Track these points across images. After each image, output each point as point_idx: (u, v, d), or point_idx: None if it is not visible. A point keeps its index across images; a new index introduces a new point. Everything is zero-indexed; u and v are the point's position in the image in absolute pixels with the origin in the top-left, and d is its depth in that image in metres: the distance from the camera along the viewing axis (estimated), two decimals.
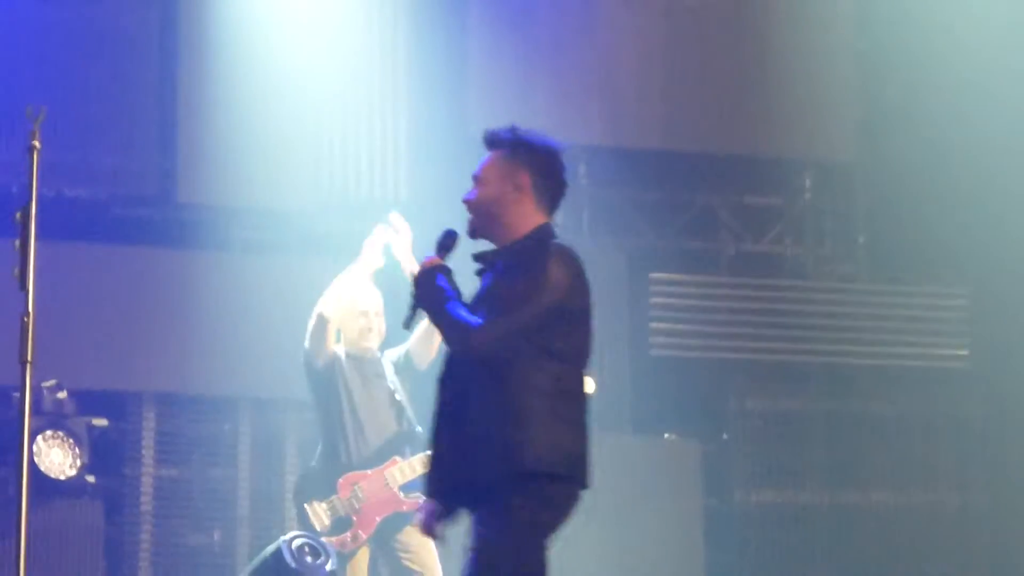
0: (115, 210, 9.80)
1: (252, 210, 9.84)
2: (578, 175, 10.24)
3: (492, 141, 6.13)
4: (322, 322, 8.32)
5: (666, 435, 10.32)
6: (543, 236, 5.97)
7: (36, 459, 8.86)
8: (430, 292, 6.00)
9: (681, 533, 10.20)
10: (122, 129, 9.78)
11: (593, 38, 10.41)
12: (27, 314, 6.79)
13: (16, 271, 6.83)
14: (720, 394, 10.53)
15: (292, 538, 8.21)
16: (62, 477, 9.03)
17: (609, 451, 9.73)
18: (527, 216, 6.02)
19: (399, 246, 8.48)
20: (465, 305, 6.03)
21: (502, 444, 5.80)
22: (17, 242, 6.87)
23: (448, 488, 6.00)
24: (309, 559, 8.20)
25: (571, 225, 10.17)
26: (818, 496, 10.49)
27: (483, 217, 6.05)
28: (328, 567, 8.18)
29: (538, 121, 9.94)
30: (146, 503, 9.71)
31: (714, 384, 10.51)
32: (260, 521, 9.42)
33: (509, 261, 6.00)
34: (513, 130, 6.11)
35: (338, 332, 8.48)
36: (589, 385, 8.55)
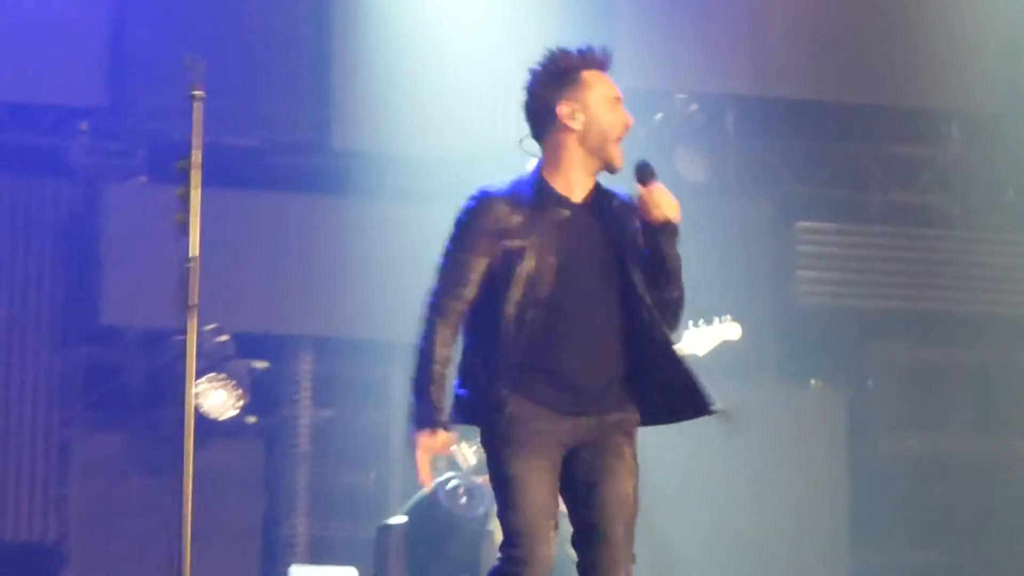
0: (272, 158, 9.83)
1: (404, 157, 9.83)
2: (725, 124, 10.22)
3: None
4: None
5: (812, 382, 10.27)
6: None
7: (198, 400, 8.80)
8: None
9: (826, 480, 10.14)
10: (279, 79, 9.83)
11: None
12: (190, 260, 6.91)
13: (178, 217, 6.96)
14: (865, 342, 10.45)
15: (446, 479, 8.28)
16: (223, 418, 9.11)
17: (755, 398, 9.76)
18: None
19: None
20: None
21: None
22: (179, 189, 6.99)
23: None
24: (463, 500, 8.26)
25: (717, 174, 10.18)
26: (961, 445, 10.37)
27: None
28: (480, 510, 8.24)
29: (685, 72, 10.20)
30: (303, 443, 9.79)
31: (859, 332, 10.42)
32: (412, 462, 9.43)
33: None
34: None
35: None
36: (734, 331, 8.59)
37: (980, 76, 10.42)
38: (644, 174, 5.72)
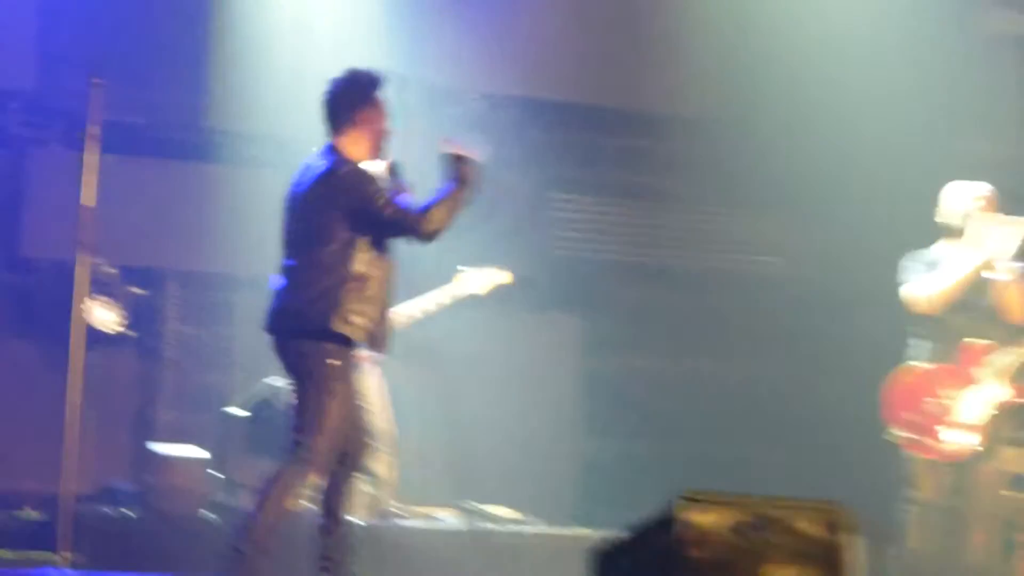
0: (157, 132, 9.98)
1: (261, 135, 9.96)
2: (502, 118, 10.41)
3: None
4: None
5: (555, 314, 10.62)
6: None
7: (88, 316, 8.75)
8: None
9: (566, 390, 10.56)
10: (166, 69, 9.89)
11: None
12: (85, 208, 7.52)
13: (80, 174, 7.52)
14: (601, 285, 10.79)
15: (276, 381, 8.62)
16: (109, 331, 9.20)
17: (514, 327, 10.31)
18: None
19: None
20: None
21: None
22: (84, 155, 7.59)
23: None
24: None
25: (495, 157, 10.33)
26: (668, 363, 10.81)
27: None
28: None
29: (475, 75, 10.49)
30: (169, 352, 10.04)
31: (597, 278, 10.78)
32: (252, 367, 9.44)
33: None
34: None
35: None
36: (506, 276, 9.10)
37: (696, 82, 10.66)
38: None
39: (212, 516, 8.49)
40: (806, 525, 4.55)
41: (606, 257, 10.79)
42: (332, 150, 6.82)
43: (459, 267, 9.00)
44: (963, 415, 8.02)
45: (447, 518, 8.89)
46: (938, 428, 8.03)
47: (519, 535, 8.84)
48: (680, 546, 4.37)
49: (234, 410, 8.87)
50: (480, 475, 9.75)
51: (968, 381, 8.05)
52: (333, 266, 6.61)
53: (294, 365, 6.70)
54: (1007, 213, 8.13)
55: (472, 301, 9.07)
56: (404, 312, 8.81)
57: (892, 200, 9.74)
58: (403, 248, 9.21)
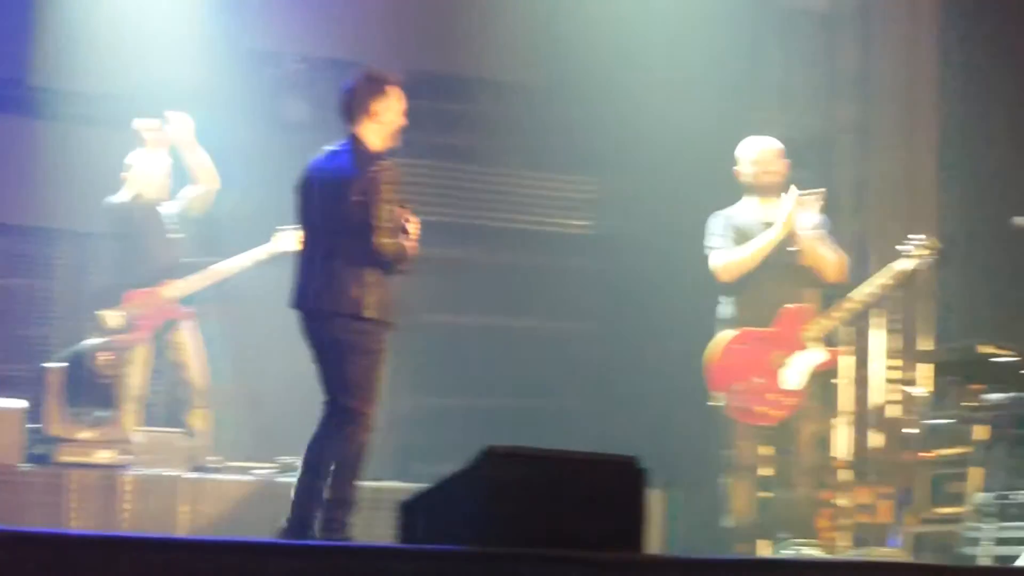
0: None
1: (82, 92, 9.88)
2: (322, 79, 10.26)
3: None
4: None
5: None
6: None
7: None
8: None
9: None
10: None
11: None
12: None
13: None
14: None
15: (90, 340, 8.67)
16: None
17: None
18: None
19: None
20: None
21: None
22: None
23: None
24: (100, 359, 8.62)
25: (316, 118, 10.16)
26: (479, 320, 10.86)
27: None
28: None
29: (295, 39, 10.46)
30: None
31: None
32: (71, 321, 9.62)
33: None
34: None
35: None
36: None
37: (512, 48, 10.68)
38: None
39: (28, 467, 8.40)
40: (601, 479, 4.62)
41: (419, 217, 10.57)
42: (355, 140, 7.14)
43: (278, 227, 9.04)
44: (785, 380, 8.15)
45: (262, 470, 8.94)
46: (761, 394, 8.15)
47: None
48: (484, 498, 4.45)
49: (52, 364, 8.78)
50: (294, 430, 9.70)
51: (788, 346, 8.18)
52: (370, 252, 6.92)
53: (342, 341, 6.96)
54: (803, 182, 8.36)
55: (286, 259, 9.09)
56: (220, 268, 8.89)
57: (698, 165, 9.84)
58: (221, 208, 9.25)
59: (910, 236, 8.35)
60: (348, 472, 7.00)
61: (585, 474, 4.62)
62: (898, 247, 8.37)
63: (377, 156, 7.08)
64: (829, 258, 8.23)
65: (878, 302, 8.29)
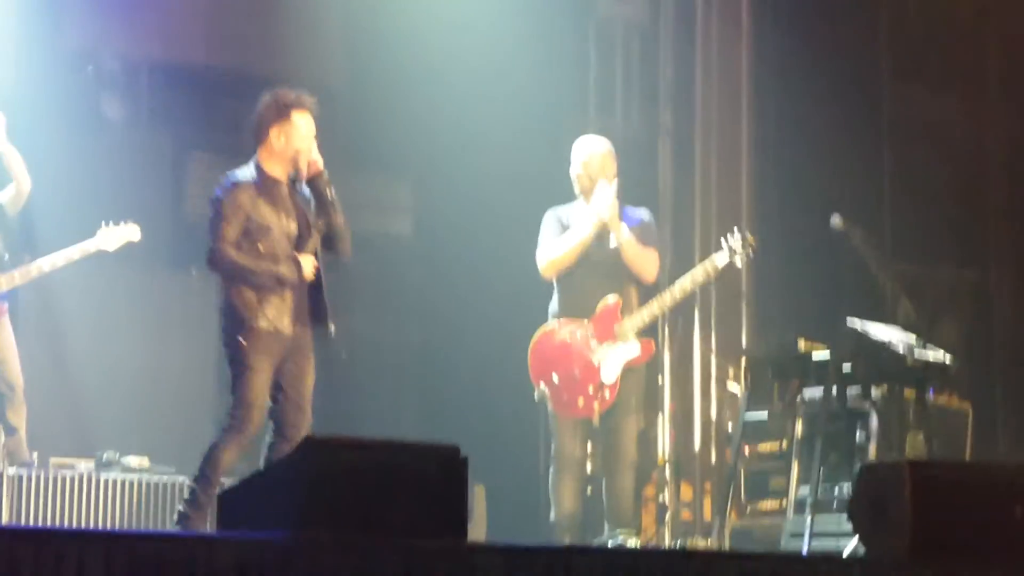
0: None
1: None
2: (141, 78, 10.28)
3: None
4: None
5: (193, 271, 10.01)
6: None
7: None
8: None
9: (196, 346, 10.12)
10: None
11: None
12: None
13: None
14: None
15: None
16: None
17: (156, 283, 10.13)
18: None
19: None
20: None
21: None
22: None
23: None
24: None
25: (132, 116, 10.23)
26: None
27: None
28: None
29: (112, 38, 10.25)
30: None
31: None
32: None
33: None
34: None
35: None
36: (135, 233, 9.02)
37: (323, 52, 10.53)
38: None
39: None
40: (422, 467, 4.56)
41: None
42: (255, 162, 7.22)
43: (102, 223, 8.94)
44: (602, 374, 8.15)
45: (82, 467, 8.81)
46: (581, 387, 8.15)
47: (153, 483, 8.81)
48: (304, 485, 4.35)
49: None
50: (114, 427, 9.59)
51: (604, 338, 8.18)
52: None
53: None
54: (626, 184, 8.39)
55: (106, 258, 9.01)
56: (35, 266, 8.75)
57: (519, 166, 9.87)
58: (40, 205, 9.00)
59: (728, 233, 8.40)
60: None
61: (406, 462, 4.56)
62: (718, 243, 8.42)
63: (250, 181, 7.17)
64: (645, 255, 8.25)
65: (693, 297, 8.33)
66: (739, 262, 8.34)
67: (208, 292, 10.11)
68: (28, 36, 9.99)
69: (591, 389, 8.14)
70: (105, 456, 8.79)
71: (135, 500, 8.65)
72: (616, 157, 8.41)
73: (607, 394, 8.13)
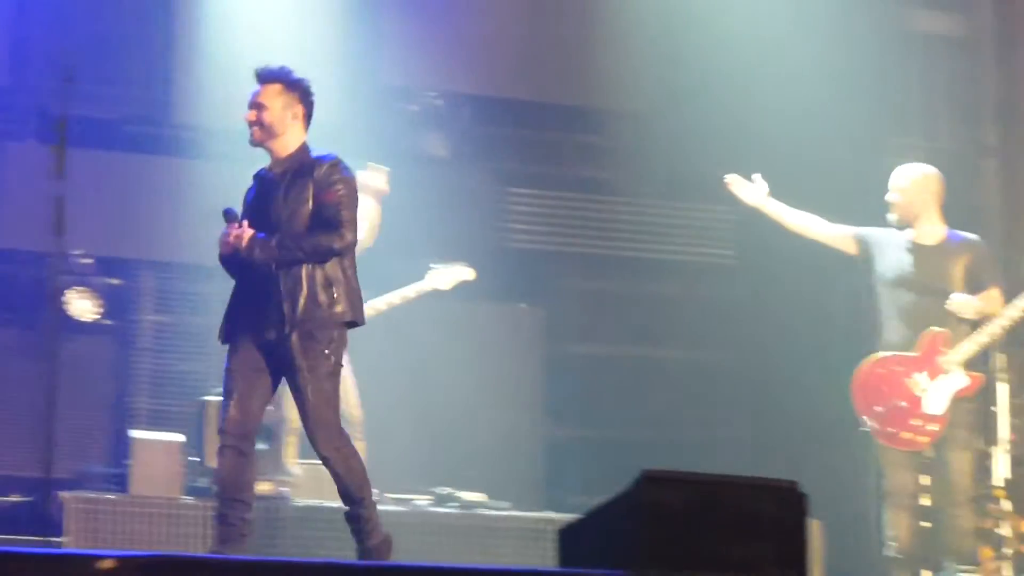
0: (127, 127, 9.92)
1: (223, 129, 9.49)
2: (462, 115, 10.37)
3: (268, 76, 6.76)
4: None
5: (521, 305, 10.52)
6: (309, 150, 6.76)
7: (67, 306, 9.09)
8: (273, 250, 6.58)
9: (528, 376, 10.39)
10: (134, 66, 9.97)
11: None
12: (59, 200, 7.45)
13: (54, 167, 7.49)
14: (559, 276, 10.72)
15: None
16: (87, 320, 9.30)
17: (477, 318, 10.19)
18: (298, 137, 6.73)
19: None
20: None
21: None
22: (54, 147, 7.52)
23: None
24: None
25: (455, 153, 10.35)
26: (624, 350, 10.66)
27: (266, 132, 6.70)
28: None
29: (434, 74, 10.31)
30: (145, 341, 9.93)
31: (555, 269, 10.68)
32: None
33: (295, 169, 6.66)
34: (287, 70, 6.76)
35: None
36: (468, 273, 9.04)
37: (635, 79, 10.47)
38: (228, 216, 6.67)
39: (189, 499, 8.40)
40: (761, 504, 4.41)
41: (562, 249, 10.66)
42: None
43: (431, 264, 9.01)
44: (928, 405, 7.91)
45: (419, 502, 8.85)
46: (905, 419, 7.93)
47: (489, 518, 8.80)
48: (643, 522, 4.25)
49: (211, 397, 8.68)
50: (449, 462, 9.67)
51: (930, 370, 7.95)
52: None
53: None
54: (945, 203, 8.12)
55: (436, 295, 9.07)
56: (371, 306, 8.78)
57: (833, 191, 9.56)
58: (376, 245, 9.13)
59: None
60: None
61: (746, 498, 4.40)
62: None
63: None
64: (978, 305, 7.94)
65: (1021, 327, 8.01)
66: None
67: (536, 326, 10.58)
68: (351, 74, 10.12)
69: (916, 421, 7.89)
70: (440, 490, 8.79)
71: (473, 536, 8.64)
72: (943, 182, 8.13)
73: (932, 426, 7.86)
